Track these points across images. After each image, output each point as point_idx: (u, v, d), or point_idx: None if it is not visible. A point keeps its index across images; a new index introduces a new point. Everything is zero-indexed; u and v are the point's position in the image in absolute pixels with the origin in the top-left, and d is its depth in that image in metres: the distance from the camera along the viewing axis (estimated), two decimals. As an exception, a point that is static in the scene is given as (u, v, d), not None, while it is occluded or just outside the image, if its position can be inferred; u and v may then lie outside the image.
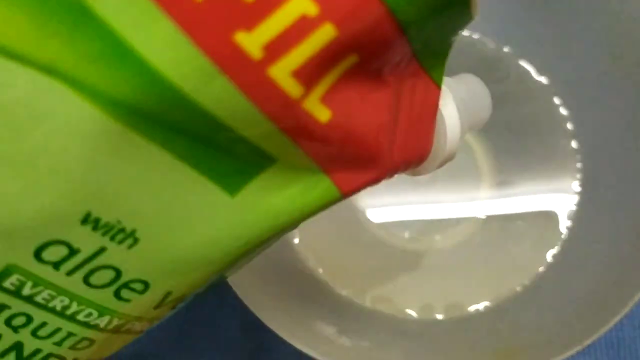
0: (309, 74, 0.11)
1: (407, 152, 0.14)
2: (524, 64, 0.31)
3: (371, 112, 0.13)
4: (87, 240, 0.12)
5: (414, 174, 0.17)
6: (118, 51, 0.10)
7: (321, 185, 0.14)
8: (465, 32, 0.31)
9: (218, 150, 0.12)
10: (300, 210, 0.14)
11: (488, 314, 0.27)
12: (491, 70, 0.31)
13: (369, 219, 0.30)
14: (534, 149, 0.30)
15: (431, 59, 0.14)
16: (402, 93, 0.14)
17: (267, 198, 0.13)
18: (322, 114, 0.12)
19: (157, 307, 0.14)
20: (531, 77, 0.30)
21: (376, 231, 0.30)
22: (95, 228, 0.12)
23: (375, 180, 0.14)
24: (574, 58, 0.29)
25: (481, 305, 0.28)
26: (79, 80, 0.10)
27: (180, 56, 0.10)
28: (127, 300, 0.13)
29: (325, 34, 0.11)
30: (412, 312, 0.28)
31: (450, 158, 0.16)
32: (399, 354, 0.24)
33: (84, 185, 0.11)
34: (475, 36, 0.31)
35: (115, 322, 0.14)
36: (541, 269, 0.28)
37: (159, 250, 0.13)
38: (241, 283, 0.22)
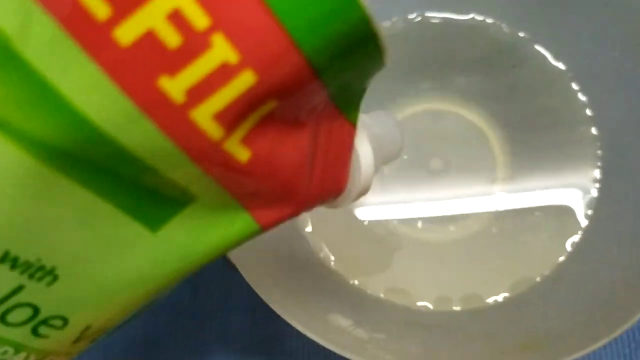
0: (229, 117, 0.12)
1: (324, 187, 0.15)
2: (540, 49, 0.30)
3: (289, 152, 0.13)
4: (3, 279, 0.12)
5: (330, 207, 0.17)
6: (44, 94, 0.10)
7: (241, 221, 0.14)
8: (479, 17, 0.30)
9: (141, 190, 0.12)
10: (221, 244, 0.14)
11: (507, 305, 0.26)
12: (505, 56, 0.30)
13: (382, 211, 0.29)
14: (552, 137, 0.29)
15: (347, 101, 0.15)
16: (319, 133, 0.14)
17: (189, 233, 0.13)
18: (242, 154, 0.12)
19: (76, 341, 0.14)
20: (548, 62, 0.30)
21: (390, 222, 0.29)
22: (13, 267, 0.12)
23: (293, 214, 0.15)
24: (591, 42, 0.28)
25: (500, 297, 0.27)
26: (5, 122, 0.10)
27: (105, 100, 0.11)
28: (45, 337, 0.13)
29: (245, 80, 0.11)
30: (428, 304, 0.27)
31: (364, 192, 0.17)
32: (417, 345, 0.23)
33: (4, 226, 0.11)
34: (489, 20, 0.30)
35: (32, 358, 0.14)
36: (561, 259, 0.27)
37: (78, 286, 0.13)
38: (254, 275, 0.21)
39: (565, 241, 0.27)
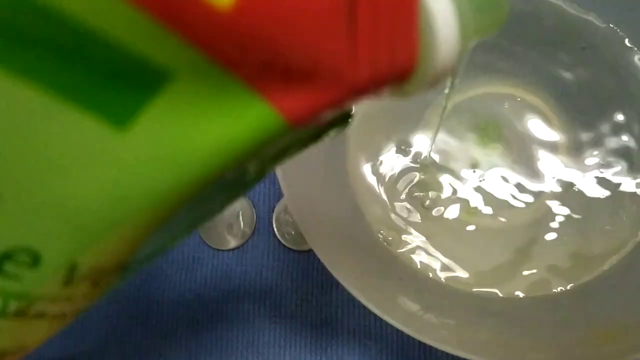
0: None
1: (378, 60, 0.10)
2: (613, 31, 0.29)
3: None
4: None
5: (398, 97, 0.12)
6: None
7: (254, 110, 0.10)
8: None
9: (87, 69, 0.09)
10: (227, 145, 0.10)
11: (575, 293, 0.26)
12: (575, 37, 0.29)
13: (442, 194, 0.29)
14: (622, 122, 0.28)
15: None
16: None
17: (173, 128, 0.10)
18: None
19: (67, 282, 0.11)
20: (621, 45, 0.29)
21: (450, 206, 0.28)
22: None
23: (332, 101, 0.10)
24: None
25: (567, 285, 0.26)
26: None
27: None
28: (18, 277, 0.11)
29: None
30: (495, 290, 0.27)
31: (445, 73, 0.11)
32: (488, 332, 0.23)
33: None
34: (565, 4, 0.29)
35: (14, 305, 0.11)
36: (630, 246, 0.26)
37: (32, 209, 0.10)
38: (329, 257, 0.21)
39: (636, 228, 0.27)
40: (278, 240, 0.31)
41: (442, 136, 0.29)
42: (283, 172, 0.22)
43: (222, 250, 0.32)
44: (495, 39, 0.30)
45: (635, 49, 0.28)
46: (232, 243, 0.32)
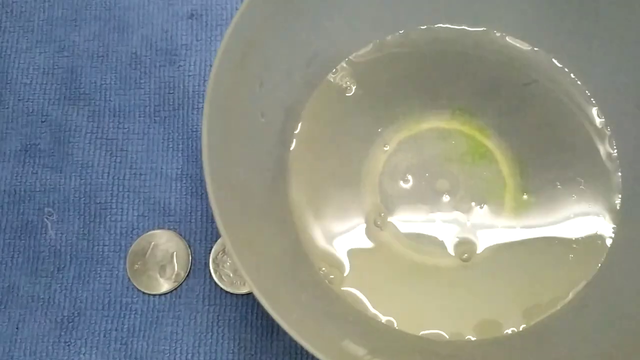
0: None
1: None
2: (555, 66, 0.29)
3: None
4: None
5: None
6: None
7: None
8: (492, 30, 0.29)
9: None
10: None
11: (527, 334, 0.25)
12: (518, 72, 0.29)
13: (390, 234, 0.27)
14: (567, 158, 0.28)
15: None
16: None
17: None
18: None
19: None
20: (564, 80, 0.29)
21: (398, 247, 0.27)
22: None
23: None
24: (611, 60, 0.27)
25: (518, 326, 0.25)
26: None
27: None
28: None
29: None
30: (442, 333, 0.25)
31: None
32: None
33: None
34: (502, 34, 0.29)
35: None
36: (581, 286, 0.26)
37: None
38: (269, 298, 0.19)
39: (586, 266, 0.26)
40: (215, 282, 0.29)
41: (387, 173, 0.28)
42: (219, 208, 0.21)
43: (154, 295, 0.29)
44: (441, 72, 0.29)
45: (579, 84, 0.28)
46: (165, 287, 0.29)
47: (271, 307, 0.19)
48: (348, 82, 0.29)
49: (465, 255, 0.27)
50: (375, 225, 0.27)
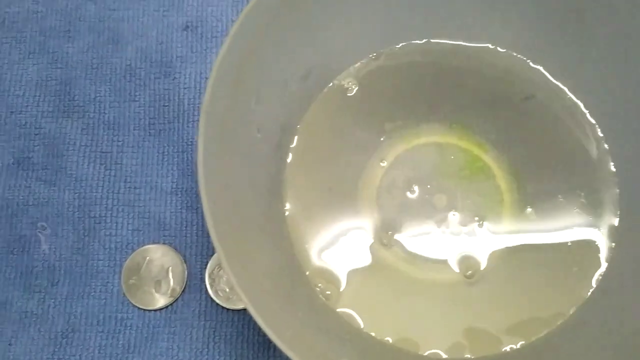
0: None
1: None
2: (554, 81, 0.29)
3: None
4: None
5: None
6: None
7: None
8: (490, 45, 0.29)
9: None
10: None
11: (524, 352, 0.25)
12: (516, 87, 0.29)
13: (389, 251, 0.27)
14: (564, 173, 0.28)
15: None
16: None
17: None
18: None
19: None
20: (562, 95, 0.28)
21: (394, 262, 0.27)
22: None
23: None
24: (610, 75, 0.27)
25: (517, 343, 0.25)
26: None
27: None
28: None
29: None
30: (440, 352, 0.25)
31: None
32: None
33: None
34: (501, 49, 0.29)
35: None
36: (581, 302, 0.25)
37: None
38: (263, 313, 0.19)
39: (585, 282, 0.26)
40: (211, 298, 0.29)
41: (384, 187, 0.28)
42: (215, 223, 0.20)
43: (149, 310, 0.29)
44: (438, 86, 0.29)
45: (577, 100, 0.28)
46: (160, 302, 0.29)
47: (265, 325, 0.19)
48: (350, 83, 0.28)
49: (470, 272, 0.26)
50: (377, 241, 0.27)
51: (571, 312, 0.25)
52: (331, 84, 0.29)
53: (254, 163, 0.26)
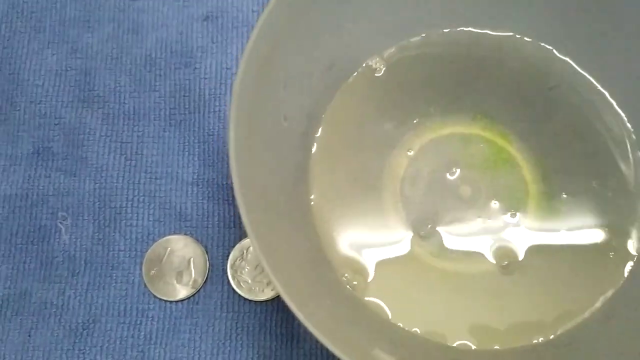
0: None
1: None
2: (581, 70, 0.28)
3: None
4: None
5: None
6: None
7: None
8: (516, 34, 0.29)
9: None
10: None
11: (557, 344, 0.24)
12: (542, 77, 0.28)
13: (415, 242, 0.27)
14: (590, 164, 0.28)
15: None
16: None
17: None
18: None
19: None
20: (589, 85, 0.28)
21: (420, 253, 0.27)
22: None
23: None
24: (637, 68, 0.27)
25: (549, 335, 0.25)
26: None
27: None
28: None
29: None
30: (468, 343, 0.25)
31: None
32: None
33: None
34: (526, 39, 0.29)
35: None
36: (611, 293, 0.25)
37: None
38: (302, 306, 0.19)
39: (615, 274, 0.26)
40: (233, 289, 0.29)
41: (409, 178, 0.28)
42: (247, 211, 0.20)
43: (171, 302, 0.29)
44: (463, 76, 0.29)
45: (604, 90, 0.28)
46: (182, 293, 0.29)
47: (298, 310, 0.19)
48: (378, 63, 0.28)
49: (505, 262, 0.26)
50: (403, 232, 0.27)
51: (602, 303, 0.25)
52: (356, 73, 0.29)
53: (280, 153, 0.26)
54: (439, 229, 0.27)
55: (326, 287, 0.25)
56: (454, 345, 0.25)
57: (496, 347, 0.25)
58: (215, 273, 0.29)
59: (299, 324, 0.28)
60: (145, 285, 0.29)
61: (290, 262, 0.23)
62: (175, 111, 0.32)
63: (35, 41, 0.33)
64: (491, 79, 0.29)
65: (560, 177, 0.28)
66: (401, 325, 0.25)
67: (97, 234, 0.30)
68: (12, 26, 0.33)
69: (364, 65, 0.29)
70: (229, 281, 0.29)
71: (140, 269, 0.29)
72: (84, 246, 0.30)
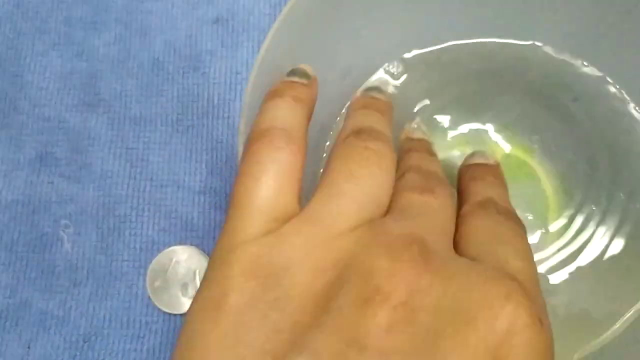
0: None
1: None
2: (607, 82, 0.27)
3: None
4: None
5: None
6: None
7: None
8: (540, 44, 0.28)
9: None
10: None
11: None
12: (566, 88, 0.27)
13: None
14: (616, 177, 0.27)
15: None
16: None
17: None
18: None
19: None
20: (614, 97, 0.27)
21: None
22: None
23: None
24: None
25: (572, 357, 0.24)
26: None
27: None
28: None
29: None
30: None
31: None
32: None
33: None
34: (550, 49, 0.28)
35: None
36: (634, 312, 0.24)
37: None
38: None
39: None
40: (240, 303, 0.28)
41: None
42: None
43: (175, 315, 0.28)
44: (484, 86, 0.28)
45: (628, 98, 0.27)
46: (187, 306, 0.28)
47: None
48: (395, 69, 0.27)
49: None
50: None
51: (631, 312, 0.24)
52: (371, 80, 0.28)
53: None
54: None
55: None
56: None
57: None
58: (222, 286, 0.28)
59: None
60: (149, 297, 0.28)
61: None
62: (182, 117, 0.31)
63: (39, 42, 0.32)
64: (515, 90, 0.28)
65: (581, 190, 0.27)
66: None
67: (100, 243, 0.29)
68: (17, 27, 0.32)
69: (379, 72, 0.28)
70: (236, 294, 0.28)
71: (144, 280, 0.28)
72: (87, 255, 0.29)
